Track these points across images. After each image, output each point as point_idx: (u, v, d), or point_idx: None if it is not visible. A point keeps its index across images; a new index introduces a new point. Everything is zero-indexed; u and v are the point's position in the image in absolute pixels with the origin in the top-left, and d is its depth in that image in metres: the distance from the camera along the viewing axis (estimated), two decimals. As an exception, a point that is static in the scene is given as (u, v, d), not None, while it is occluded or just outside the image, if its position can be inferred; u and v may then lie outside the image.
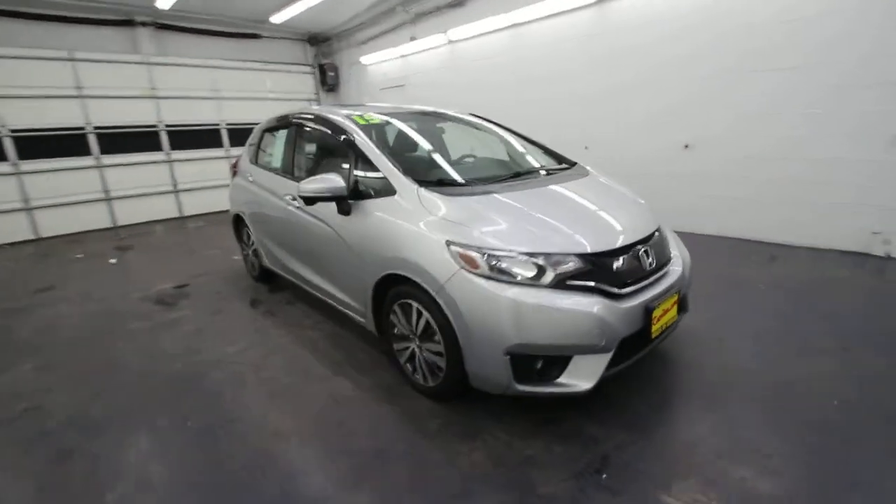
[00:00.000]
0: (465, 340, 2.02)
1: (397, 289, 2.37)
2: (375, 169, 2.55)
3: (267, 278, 4.27)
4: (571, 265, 1.97)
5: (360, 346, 3.00)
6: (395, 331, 2.49)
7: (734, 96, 4.66)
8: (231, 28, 8.53)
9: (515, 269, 1.95)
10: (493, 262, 1.96)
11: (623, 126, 5.67)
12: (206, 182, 8.39)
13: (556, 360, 1.97)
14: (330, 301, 3.10)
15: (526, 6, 6.02)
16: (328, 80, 9.74)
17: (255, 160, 4.07)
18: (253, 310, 3.75)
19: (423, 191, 2.32)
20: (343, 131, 2.84)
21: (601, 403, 2.25)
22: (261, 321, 3.51)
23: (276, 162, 3.73)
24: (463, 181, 2.48)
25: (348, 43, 9.41)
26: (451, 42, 7.30)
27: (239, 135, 8.59)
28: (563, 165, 3.05)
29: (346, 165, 2.80)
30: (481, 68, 7.01)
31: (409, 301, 2.29)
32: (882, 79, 3.85)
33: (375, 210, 2.46)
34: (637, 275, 2.13)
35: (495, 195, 2.35)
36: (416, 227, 2.22)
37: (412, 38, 7.79)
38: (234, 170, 4.46)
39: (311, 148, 3.45)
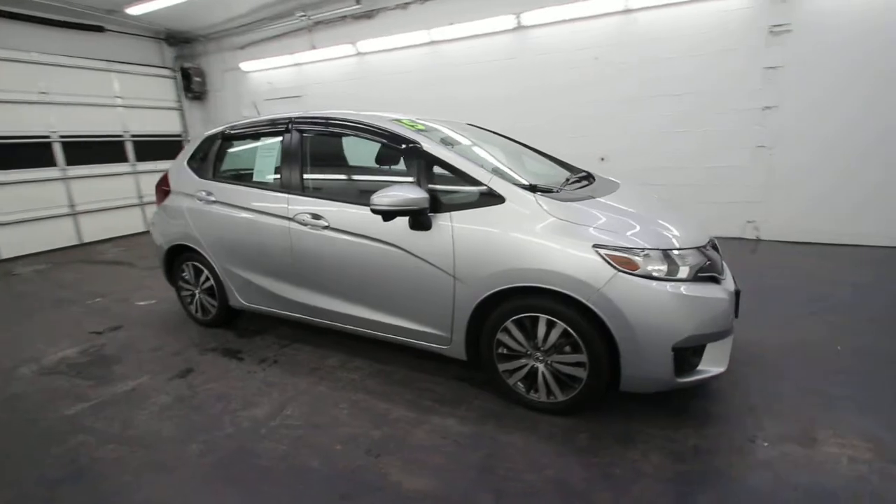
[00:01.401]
0: (625, 343, 1.98)
1: (512, 304, 2.19)
2: (463, 177, 2.33)
3: (224, 322, 3.44)
4: (700, 259, 2.12)
5: (425, 378, 2.65)
6: (501, 350, 2.29)
7: (639, 116, 5.57)
8: (67, 16, 6.63)
9: (664, 267, 2.01)
10: (648, 262, 1.99)
11: (545, 142, 6.22)
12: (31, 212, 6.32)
13: (698, 350, 2.09)
14: (379, 334, 2.67)
15: (445, 25, 6.18)
16: (194, 87, 8.32)
17: (212, 175, 3.26)
18: (241, 362, 2.97)
19: (539, 197, 2.20)
20: (403, 139, 2.50)
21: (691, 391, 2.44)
22: (267, 373, 2.81)
23: (266, 176, 3.05)
24: (555, 188, 2.44)
25: (221, 46, 8.22)
26: (360, 54, 7.00)
27: (78, 149, 6.72)
28: (585, 173, 3.23)
29: (402, 177, 2.50)
30: (396, 83, 6.89)
31: (536, 314, 2.14)
32: (738, 106, 5.09)
33: (475, 222, 2.24)
34: (718, 264, 2.40)
35: (597, 199, 2.37)
36: (545, 236, 2.10)
37: (313, 47, 7.23)
38: (164, 190, 3.50)
39: (334, 158, 2.94)
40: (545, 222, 2.13)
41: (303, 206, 2.74)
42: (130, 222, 7.49)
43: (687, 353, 2.03)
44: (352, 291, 2.68)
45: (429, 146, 2.42)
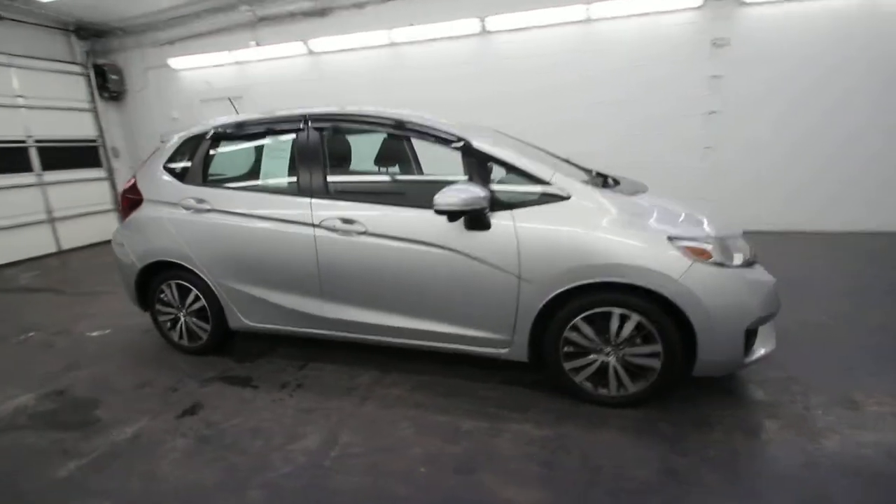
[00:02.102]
0: (703, 330, 2.03)
1: (582, 300, 2.16)
2: (522, 174, 2.26)
3: (216, 348, 3.02)
4: (745, 246, 2.26)
5: (475, 386, 2.52)
6: (567, 349, 2.25)
7: (599, 121, 5.88)
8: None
9: (728, 255, 2.11)
10: (717, 251, 2.07)
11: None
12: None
13: (754, 332, 2.22)
14: (424, 343, 2.50)
15: (405, 26, 6.07)
16: (110, 86, 7.31)
17: (201, 180, 2.86)
18: (257, 390, 2.61)
19: (603, 192, 2.20)
20: (452, 136, 2.37)
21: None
22: (296, 399, 2.50)
23: (276, 179, 2.73)
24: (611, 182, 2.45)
25: (142, 41, 7.32)
26: (313, 53, 6.63)
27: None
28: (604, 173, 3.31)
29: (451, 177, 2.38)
30: (355, 84, 6.61)
31: (609, 309, 2.13)
32: (688, 111, 5.60)
33: (541, 220, 2.18)
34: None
35: (644, 194, 2.43)
36: (616, 230, 2.11)
37: (256, 44, 6.70)
38: (132, 200, 3.01)
39: (362, 158, 2.68)
40: (611, 217, 2.14)
41: (331, 210, 2.49)
42: (39, 242, 6.36)
43: (750, 336, 2.14)
44: (394, 301, 2.48)
45: (479, 144, 2.33)
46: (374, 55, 6.44)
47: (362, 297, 2.53)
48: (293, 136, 2.68)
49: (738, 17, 5.21)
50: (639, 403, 2.25)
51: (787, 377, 2.45)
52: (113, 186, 7.55)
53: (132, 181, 3.07)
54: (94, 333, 3.58)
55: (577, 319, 2.19)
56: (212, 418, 2.35)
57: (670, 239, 2.06)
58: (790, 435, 2.02)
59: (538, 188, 2.24)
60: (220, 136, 2.89)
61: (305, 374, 2.77)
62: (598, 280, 2.09)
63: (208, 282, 2.81)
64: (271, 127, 2.78)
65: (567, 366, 2.28)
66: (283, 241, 2.59)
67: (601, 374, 2.24)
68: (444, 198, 2.11)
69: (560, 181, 2.22)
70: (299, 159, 2.62)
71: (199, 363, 2.96)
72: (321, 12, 6.43)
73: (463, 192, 2.11)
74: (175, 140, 3.01)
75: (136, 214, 2.98)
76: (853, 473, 1.78)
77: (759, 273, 2.20)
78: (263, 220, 2.63)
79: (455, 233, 2.26)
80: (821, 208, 5.42)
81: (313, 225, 2.51)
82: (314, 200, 2.54)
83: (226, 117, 2.94)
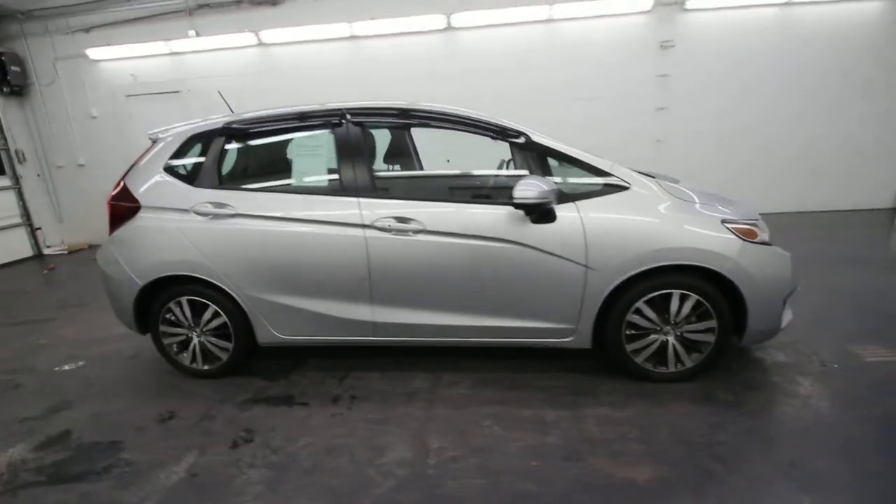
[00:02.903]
0: (754, 302, 2.25)
1: (645, 284, 2.29)
2: (582, 166, 2.33)
3: (237, 368, 2.74)
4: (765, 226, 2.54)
5: (537, 376, 2.56)
6: (629, 332, 2.37)
7: (561, 116, 6.17)
8: None
9: (765, 234, 2.36)
10: (761, 231, 2.31)
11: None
12: None
13: (785, 302, 2.50)
14: (483, 340, 2.49)
15: (367, 20, 5.88)
16: (11, 79, 6.20)
17: (217, 181, 2.56)
18: (308, 407, 2.42)
19: (656, 181, 2.34)
20: (509, 130, 2.36)
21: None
22: (357, 412, 2.35)
23: (313, 178, 2.53)
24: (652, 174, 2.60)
25: (50, 27, 6.30)
26: (264, 44, 6.17)
27: None
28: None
29: (499, 169, 2.39)
30: (312, 79, 6.26)
31: (669, 291, 2.28)
32: (639, 108, 6.09)
33: (606, 210, 2.27)
34: None
35: (680, 182, 2.62)
36: (674, 217, 2.26)
37: (196, 34, 6.08)
38: (125, 208, 2.62)
39: (409, 154, 2.55)
40: (668, 204, 2.30)
41: (383, 209, 2.37)
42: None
43: (784, 304, 2.42)
44: (454, 300, 2.43)
45: (539, 137, 2.36)
46: (333, 49, 6.16)
47: (419, 298, 2.45)
48: (329, 131, 2.51)
49: (681, 22, 5.76)
50: (694, 377, 2.44)
51: (796, 340, 2.80)
52: (21, 197, 6.42)
53: (121, 185, 2.67)
54: (66, 367, 3.06)
55: (640, 303, 2.32)
56: (274, 443, 2.14)
57: (723, 222, 2.26)
58: (826, 386, 2.32)
59: (600, 179, 2.33)
60: (235, 134, 2.61)
61: (351, 384, 2.61)
62: (663, 264, 2.23)
63: (233, 295, 2.53)
64: (300, 122, 2.57)
65: (629, 348, 2.41)
66: (328, 244, 2.41)
67: (661, 353, 2.40)
68: (523, 191, 2.11)
69: (619, 172, 2.33)
70: (341, 156, 2.46)
71: (221, 387, 2.67)
72: (272, 1, 6.01)
73: (539, 186, 2.13)
74: (173, 138, 2.66)
75: (133, 224, 2.59)
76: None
77: (782, 249, 2.50)
78: (303, 223, 2.43)
79: (521, 226, 2.28)
80: (761, 192, 6.18)
81: (363, 226, 2.38)
82: (362, 200, 2.40)
83: (242, 113, 2.65)
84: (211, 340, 2.68)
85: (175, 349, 2.74)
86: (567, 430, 2.11)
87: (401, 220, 2.35)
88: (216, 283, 2.53)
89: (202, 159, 2.60)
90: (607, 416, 2.20)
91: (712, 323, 2.31)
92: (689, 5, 5.62)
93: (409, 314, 2.48)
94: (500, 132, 2.39)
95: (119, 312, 2.76)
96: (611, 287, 2.29)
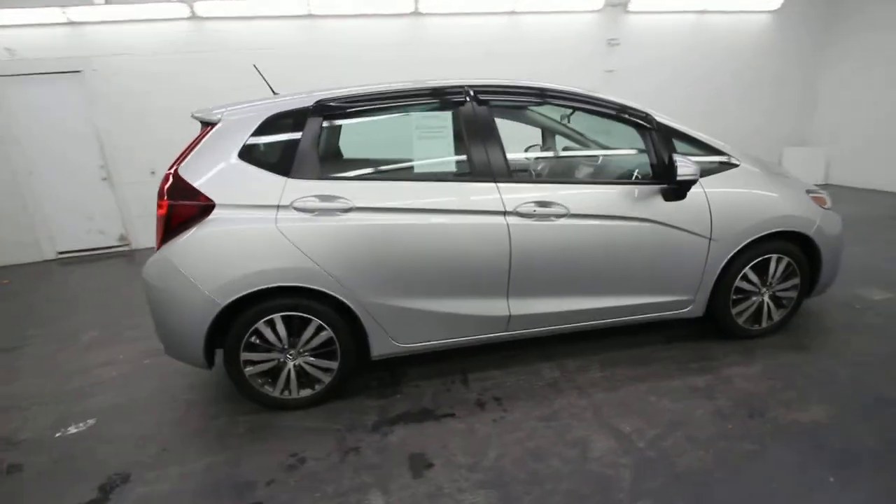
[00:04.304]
0: (827, 261, 2.63)
1: (750, 253, 2.52)
2: (701, 146, 2.47)
3: (333, 392, 2.34)
4: None
5: (654, 349, 2.67)
6: (735, 297, 2.60)
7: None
8: None
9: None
10: (828, 199, 2.70)
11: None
12: None
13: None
14: (606, 321, 2.50)
15: (326, -3, 5.36)
16: None
17: (319, 171, 2.13)
18: (455, 418, 2.17)
19: (751, 159, 2.58)
20: (635, 111, 2.38)
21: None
22: (516, 413, 2.18)
23: (437, 163, 2.22)
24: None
25: None
26: (197, 17, 5.21)
27: None
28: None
29: (630, 149, 2.43)
30: (260, 61, 5.48)
31: (769, 256, 2.55)
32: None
33: (724, 185, 2.44)
34: None
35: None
36: (775, 189, 2.53)
37: (105, 1, 4.88)
38: (189, 207, 2.05)
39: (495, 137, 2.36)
40: (768, 179, 2.56)
41: (521, 193, 2.23)
42: None
43: (837, 261, 2.87)
44: (589, 283, 2.40)
45: (661, 118, 2.43)
46: (287, 27, 5.48)
47: (557, 285, 2.36)
48: (450, 110, 2.26)
49: (625, 22, 6.36)
50: (778, 330, 2.77)
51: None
52: None
53: (176, 179, 2.06)
54: (71, 430, 2.27)
55: (747, 269, 2.56)
56: (462, 461, 1.89)
57: (807, 192, 2.60)
58: (863, 323, 2.84)
59: (716, 158, 2.50)
60: (333, 114, 2.20)
61: (481, 386, 2.42)
62: (771, 231, 2.49)
63: (348, 303, 2.15)
64: (412, 101, 2.26)
65: (734, 311, 2.64)
66: (466, 235, 2.19)
67: (757, 312, 2.68)
68: (685, 170, 2.18)
69: (730, 150, 2.52)
70: (470, 137, 2.23)
71: (326, 415, 2.25)
72: (209, -33, 5.10)
73: (693, 164, 2.21)
74: (246, 118, 2.13)
75: (206, 229, 2.02)
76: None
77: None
78: (435, 213, 2.16)
79: (653, 204, 2.35)
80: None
81: (504, 212, 2.20)
82: (500, 185, 2.22)
83: (335, 89, 2.22)
84: (311, 362, 2.24)
85: (260, 381, 2.23)
86: (726, 392, 2.25)
87: (542, 204, 2.24)
88: (327, 291, 2.11)
89: (295, 144, 2.13)
90: (745, 373, 2.40)
91: (797, 280, 2.65)
92: (631, 8, 6.23)
93: (546, 303, 2.38)
94: (622, 111, 2.41)
95: (177, 345, 2.15)
96: (728, 256, 2.48)
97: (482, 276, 2.25)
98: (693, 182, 2.24)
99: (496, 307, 2.33)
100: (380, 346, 2.28)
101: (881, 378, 2.28)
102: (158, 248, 2.10)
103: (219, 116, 2.14)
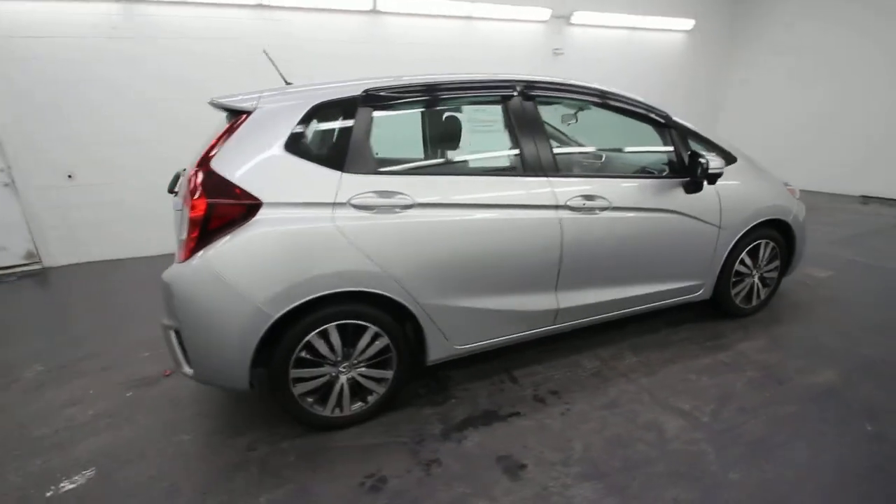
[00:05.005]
0: (800, 239, 3.02)
1: (747, 240, 2.81)
2: (709, 144, 2.69)
3: (387, 404, 2.19)
4: None
5: (667, 333, 2.86)
6: (734, 279, 2.89)
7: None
8: None
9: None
10: (794, 189, 3.11)
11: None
12: None
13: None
14: (629, 310, 2.61)
15: (279, -12, 4.99)
16: None
17: (374, 165, 1.97)
18: (524, 417, 2.13)
19: (741, 153, 2.88)
20: (656, 111, 2.53)
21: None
22: (580, 405, 2.20)
23: (491, 157, 2.16)
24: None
25: None
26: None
27: None
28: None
29: (654, 147, 2.60)
30: (194, 52, 4.94)
31: (760, 241, 2.87)
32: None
33: (727, 178, 2.67)
34: None
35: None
36: (764, 180, 2.85)
37: (7, -32, 4.06)
38: (237, 206, 1.79)
39: (574, 133, 2.38)
40: (757, 173, 2.88)
41: (572, 187, 2.27)
42: None
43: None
44: (626, 273, 2.51)
45: (677, 118, 2.62)
46: (233, 17, 4.99)
47: (599, 276, 2.44)
48: (499, 105, 2.23)
49: (569, 34, 6.78)
50: (763, 307, 3.13)
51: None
52: None
53: (211, 175, 1.77)
54: (66, 485, 1.83)
55: (744, 254, 2.85)
56: (548, 458, 1.86)
57: (785, 184, 2.97)
58: (819, 286, 3.32)
59: (720, 155, 2.74)
60: (382, 104, 2.04)
61: (533, 382, 2.40)
62: (763, 219, 2.80)
63: (409, 306, 2.01)
64: (460, 93, 2.18)
65: (733, 292, 2.93)
66: (523, 230, 2.16)
67: (749, 292, 2.99)
68: (716, 164, 2.37)
69: (730, 149, 2.79)
70: (521, 131, 2.21)
71: (381, 429, 2.08)
72: (140, -58, 4.48)
73: (719, 159, 2.41)
74: (288, 107, 1.90)
75: (253, 230, 1.76)
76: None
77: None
78: (493, 208, 2.11)
79: (677, 197, 2.53)
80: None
81: (556, 206, 2.22)
82: (552, 179, 2.23)
83: (380, 78, 2.06)
84: (363, 373, 2.06)
85: (311, 400, 2.00)
86: (749, 365, 2.49)
87: (588, 197, 2.30)
88: (388, 295, 1.96)
89: (346, 135, 1.94)
90: (755, 347, 2.67)
91: (778, 262, 3.02)
92: (573, 20, 6.66)
93: (589, 294, 2.44)
94: (647, 112, 2.55)
95: (215, 365, 1.85)
96: (733, 243, 2.75)
97: (536, 270, 2.25)
98: (720, 175, 2.45)
99: (546, 301, 2.33)
100: (436, 350, 2.16)
101: (861, 341, 2.68)
102: (188, 254, 1.78)
103: (252, 104, 1.89)
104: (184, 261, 1.79)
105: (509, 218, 2.14)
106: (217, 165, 1.80)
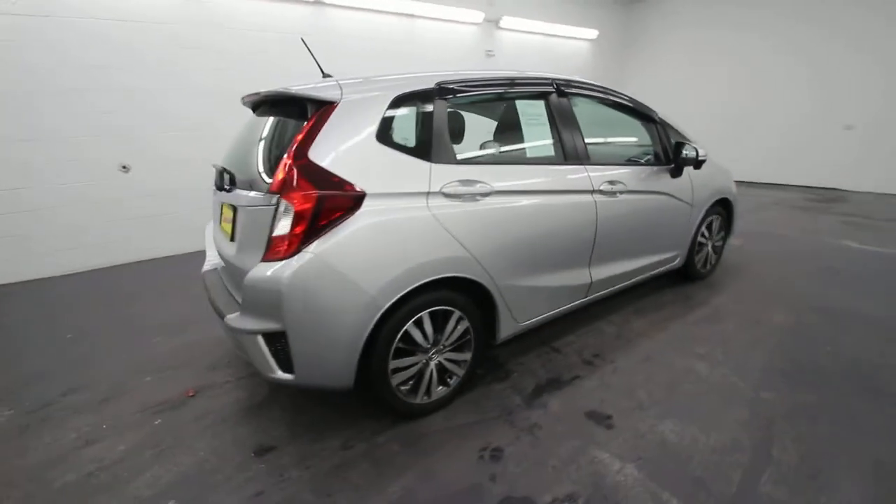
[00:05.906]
0: (736, 217, 3.75)
1: (709, 215, 3.43)
2: (681, 136, 3.20)
3: (454, 394, 2.27)
4: None
5: (655, 298, 3.35)
6: (698, 249, 3.49)
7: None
8: None
9: None
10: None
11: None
12: None
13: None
14: (629, 282, 3.01)
15: (215, -30, 4.57)
16: None
17: (453, 154, 2.06)
18: (586, 378, 2.38)
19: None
20: (645, 107, 2.95)
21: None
22: (629, 361, 2.52)
23: (543, 147, 2.34)
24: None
25: None
26: (32, -30, 3.77)
27: None
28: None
29: (645, 141, 3.04)
30: (133, 42, 4.33)
31: (713, 216, 3.51)
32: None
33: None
34: None
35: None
36: (721, 169, 3.49)
37: None
38: (344, 198, 1.77)
39: (589, 125, 2.62)
40: (713, 161, 3.50)
41: (600, 173, 2.58)
42: None
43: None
44: (634, 246, 2.91)
45: (658, 117, 3.08)
46: (163, 5, 4.44)
47: (618, 251, 2.79)
48: (543, 100, 2.44)
49: (499, 37, 7.21)
50: (714, 270, 3.80)
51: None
52: None
53: (314, 168, 1.70)
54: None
55: (703, 227, 3.47)
56: (625, 405, 2.14)
57: (727, 170, 3.67)
58: (748, 250, 4.14)
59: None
60: (451, 96, 2.11)
61: (574, 349, 2.68)
62: (718, 198, 3.44)
63: (490, 288, 2.14)
64: (513, 89, 2.35)
65: (696, 258, 3.53)
66: (573, 212, 2.43)
67: (705, 259, 3.64)
68: (703, 152, 2.87)
69: (690, 140, 3.35)
70: (563, 125, 2.46)
71: (467, 411, 2.18)
72: None
73: (703, 148, 2.92)
74: (372, 98, 1.89)
75: (360, 221, 1.74)
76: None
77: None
78: (550, 194, 2.33)
79: (666, 180, 3.00)
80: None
81: (592, 191, 2.52)
82: (587, 166, 2.52)
83: (447, 72, 2.13)
84: (450, 357, 2.14)
85: (406, 390, 2.02)
86: (729, 314, 3.06)
87: (612, 182, 2.63)
88: (475, 278, 2.07)
89: (429, 126, 1.99)
90: (724, 301, 3.28)
91: (723, 232, 3.72)
92: (501, 25, 7.11)
93: (611, 267, 2.78)
94: (638, 107, 2.97)
95: (321, 364, 1.78)
96: (700, 218, 3.33)
97: (578, 247, 2.52)
98: (705, 160, 2.97)
99: (582, 276, 2.62)
100: (506, 328, 2.32)
101: (792, 284, 3.44)
102: (292, 249, 1.69)
103: (336, 95, 1.85)
104: (283, 258, 1.70)
105: (560, 202, 2.38)
106: (316, 157, 1.74)
